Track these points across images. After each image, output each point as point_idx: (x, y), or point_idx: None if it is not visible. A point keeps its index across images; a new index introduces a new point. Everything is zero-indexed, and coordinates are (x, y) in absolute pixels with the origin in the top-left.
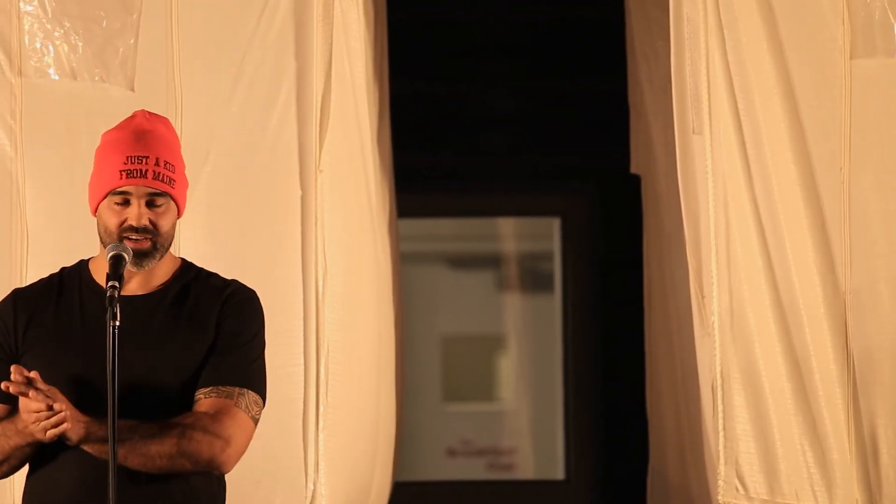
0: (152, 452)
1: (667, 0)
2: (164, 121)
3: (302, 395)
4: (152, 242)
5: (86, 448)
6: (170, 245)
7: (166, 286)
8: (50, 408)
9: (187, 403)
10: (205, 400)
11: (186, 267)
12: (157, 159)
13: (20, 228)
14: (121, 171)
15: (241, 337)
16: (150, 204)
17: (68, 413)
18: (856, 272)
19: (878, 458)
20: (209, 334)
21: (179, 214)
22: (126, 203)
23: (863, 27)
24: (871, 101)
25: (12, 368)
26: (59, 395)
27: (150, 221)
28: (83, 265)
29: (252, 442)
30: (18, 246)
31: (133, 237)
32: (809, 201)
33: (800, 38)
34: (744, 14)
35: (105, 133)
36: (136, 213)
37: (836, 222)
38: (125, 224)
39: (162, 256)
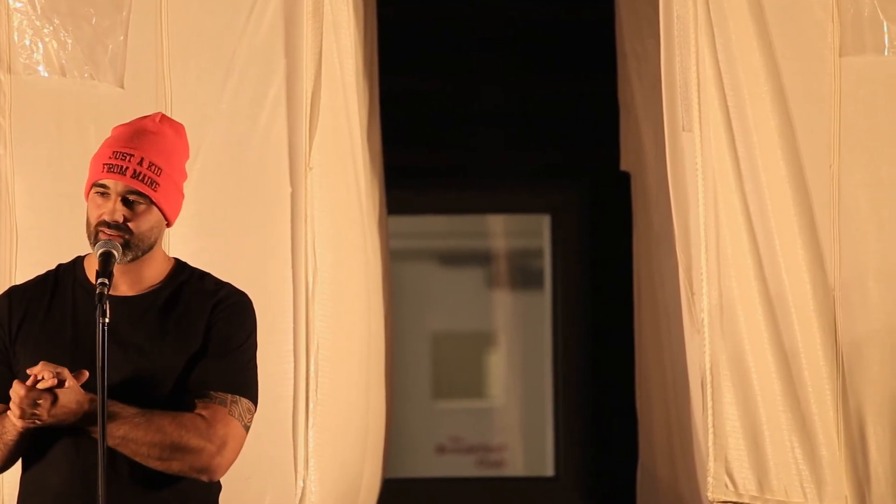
0: (146, 439)
1: None
2: (176, 127)
3: (291, 393)
4: (125, 241)
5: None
6: (148, 248)
7: (158, 288)
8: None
9: (175, 405)
10: (198, 405)
11: (180, 268)
12: (142, 159)
13: (9, 225)
14: (104, 165)
15: (232, 341)
16: (127, 202)
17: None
18: (845, 269)
19: (867, 454)
20: (198, 337)
21: (169, 223)
22: (106, 196)
23: (852, 24)
24: (861, 99)
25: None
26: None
27: (124, 218)
28: (78, 262)
29: None
30: (7, 243)
31: (106, 231)
32: (799, 198)
33: (789, 36)
34: (733, 12)
35: (115, 126)
36: (111, 209)
37: (826, 219)
38: (101, 218)
39: (135, 258)
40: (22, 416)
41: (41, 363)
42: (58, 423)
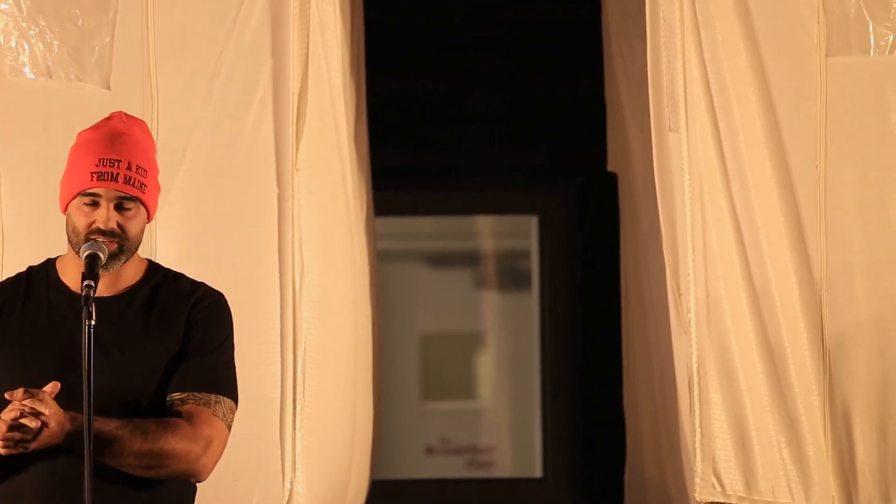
0: (132, 450)
1: None
2: (140, 124)
3: (279, 394)
4: (119, 245)
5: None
6: (137, 248)
7: (134, 288)
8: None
9: (156, 407)
10: (181, 406)
11: (153, 268)
12: (129, 163)
13: None
14: (92, 173)
15: (212, 341)
16: (120, 207)
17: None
18: (831, 268)
19: (853, 453)
20: (177, 338)
21: (150, 219)
22: (95, 205)
23: (838, 24)
24: (847, 99)
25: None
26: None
27: (119, 225)
28: (50, 264)
29: (229, 440)
30: None
31: (100, 239)
32: (785, 198)
33: (775, 36)
34: (720, 12)
35: (80, 132)
36: (105, 216)
37: (812, 219)
38: (93, 226)
39: (128, 259)
40: (5, 447)
41: (20, 392)
42: (42, 447)
